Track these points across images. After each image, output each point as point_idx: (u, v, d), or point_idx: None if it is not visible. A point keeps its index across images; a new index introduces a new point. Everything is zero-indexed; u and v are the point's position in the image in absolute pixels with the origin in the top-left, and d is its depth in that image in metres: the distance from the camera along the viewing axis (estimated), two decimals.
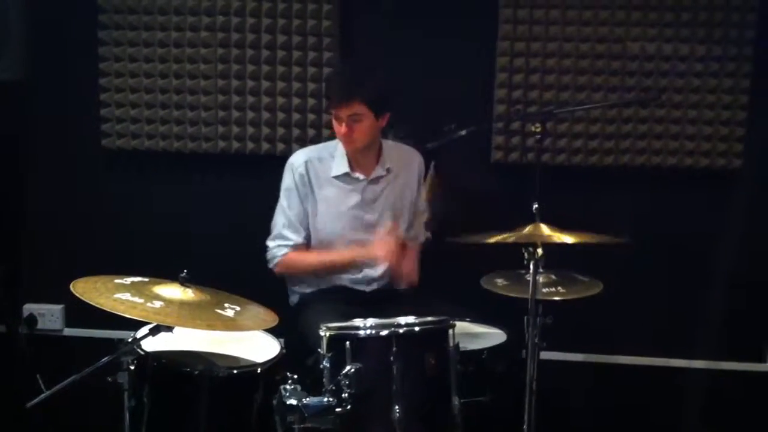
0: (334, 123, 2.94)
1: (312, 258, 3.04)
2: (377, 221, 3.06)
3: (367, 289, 3.07)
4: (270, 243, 3.06)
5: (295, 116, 3.42)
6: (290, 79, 3.40)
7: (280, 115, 3.42)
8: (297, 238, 3.02)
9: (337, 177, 3.03)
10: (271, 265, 3.06)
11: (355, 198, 3.04)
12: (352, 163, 3.03)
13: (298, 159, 3.05)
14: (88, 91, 3.45)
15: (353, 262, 3.02)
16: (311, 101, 3.41)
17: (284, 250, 3.02)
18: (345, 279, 3.06)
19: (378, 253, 2.94)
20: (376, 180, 3.06)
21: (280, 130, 3.43)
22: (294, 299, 3.13)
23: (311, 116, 3.42)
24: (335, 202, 3.03)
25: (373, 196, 3.06)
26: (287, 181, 3.05)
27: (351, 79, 2.97)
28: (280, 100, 3.41)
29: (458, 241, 2.67)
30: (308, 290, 3.09)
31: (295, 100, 3.41)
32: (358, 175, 3.04)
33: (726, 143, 3.34)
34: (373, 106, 2.88)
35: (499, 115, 3.38)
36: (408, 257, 3.06)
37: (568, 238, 2.55)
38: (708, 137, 3.34)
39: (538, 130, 2.96)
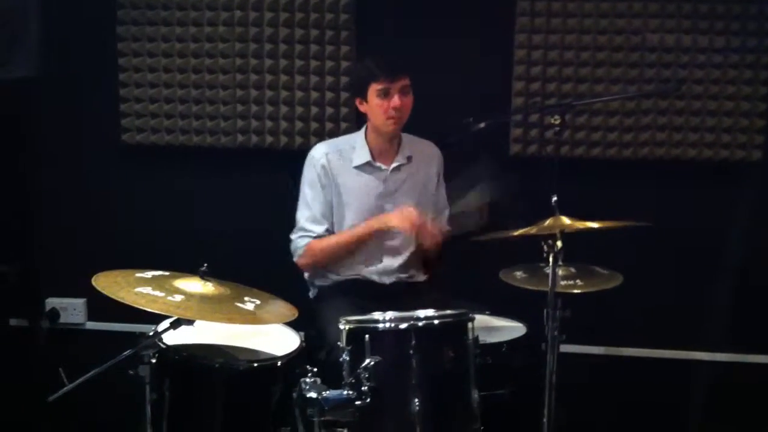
0: (378, 101, 2.90)
1: (332, 240, 3.01)
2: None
3: (387, 281, 3.07)
4: (293, 236, 3.06)
5: (314, 110, 3.43)
6: (308, 72, 3.41)
7: (299, 109, 3.43)
8: (320, 230, 3.02)
9: (358, 167, 3.03)
10: (295, 257, 3.05)
11: (377, 187, 3.04)
12: (374, 152, 3.04)
13: (318, 151, 3.05)
14: (107, 87, 3.48)
15: (372, 234, 2.98)
16: (329, 95, 3.41)
17: (306, 240, 3.02)
18: (365, 271, 3.06)
19: (395, 222, 2.90)
20: (397, 168, 3.06)
21: (299, 124, 3.44)
22: (313, 292, 3.14)
23: (329, 109, 3.42)
24: (358, 192, 3.03)
25: (395, 185, 3.06)
26: (308, 174, 3.05)
27: (397, 54, 3.01)
28: (299, 93, 3.42)
29: (482, 239, 2.67)
30: (327, 283, 3.10)
31: (314, 94, 3.42)
32: (380, 164, 3.04)
33: (746, 135, 3.32)
34: (411, 82, 2.93)
35: (518, 108, 3.38)
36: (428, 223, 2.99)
37: (592, 224, 2.56)
38: (728, 129, 3.32)
39: (557, 122, 2.95)
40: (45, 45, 3.49)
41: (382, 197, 3.05)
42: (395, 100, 2.89)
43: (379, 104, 2.91)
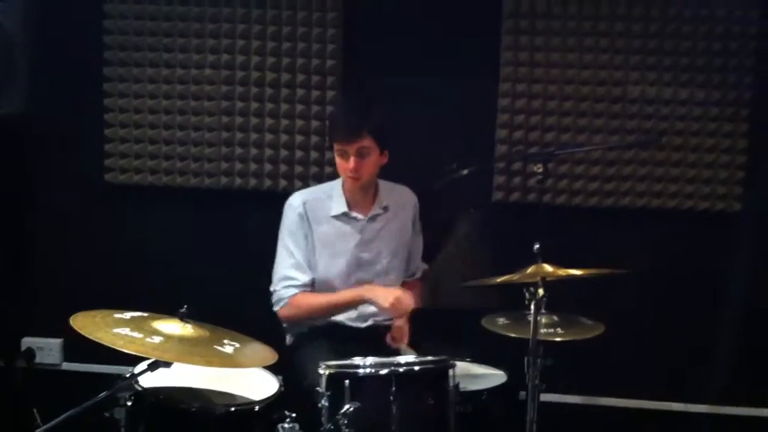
0: (338, 159, 2.92)
1: (321, 299, 2.98)
2: (374, 259, 3.05)
3: (363, 325, 3.04)
4: (275, 286, 3.00)
5: (298, 153, 3.44)
6: (294, 116, 3.43)
7: (283, 152, 3.45)
8: (305, 278, 2.99)
9: (335, 216, 3.03)
10: (277, 308, 3.00)
11: (354, 237, 3.03)
12: (350, 202, 3.03)
13: (296, 200, 3.04)
14: (92, 126, 3.48)
15: (359, 302, 2.95)
16: (314, 139, 3.43)
17: (293, 291, 2.97)
18: (339, 317, 3.03)
19: (384, 304, 2.83)
20: (374, 218, 3.06)
21: (283, 167, 3.45)
22: (290, 339, 3.10)
23: (314, 154, 3.44)
24: (334, 241, 3.02)
25: (371, 235, 3.06)
26: (288, 222, 3.02)
27: (358, 113, 2.95)
28: (283, 137, 3.44)
29: (463, 286, 2.67)
30: (304, 329, 3.07)
31: (298, 138, 3.44)
32: (357, 214, 3.04)
33: (725, 186, 3.35)
34: (378, 140, 2.89)
35: (501, 156, 3.40)
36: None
37: (574, 272, 2.58)
38: (707, 180, 3.36)
39: (540, 170, 2.98)
40: (30, 84, 3.50)
41: (359, 246, 3.04)
42: (351, 162, 2.88)
43: (339, 163, 2.93)
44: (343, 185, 3.04)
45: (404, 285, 3.16)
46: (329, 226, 3.02)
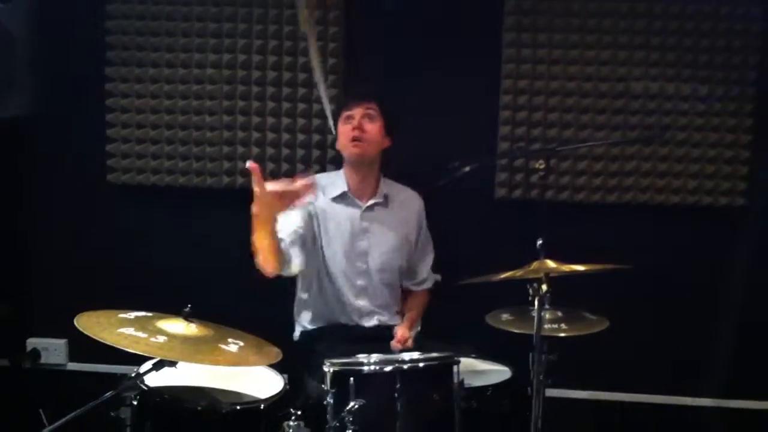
0: (344, 128, 2.99)
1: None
2: (368, 250, 3.05)
3: (367, 323, 3.05)
4: None
5: (300, 152, 3.44)
6: (295, 115, 3.43)
7: (285, 151, 3.44)
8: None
9: (334, 199, 3.04)
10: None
11: (351, 224, 3.03)
12: (351, 186, 3.05)
13: None
14: (94, 127, 3.48)
15: (259, 226, 2.74)
16: (316, 137, 3.43)
17: None
18: (348, 306, 3.04)
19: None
20: (371, 208, 3.07)
21: (285, 166, 3.45)
22: (297, 335, 3.12)
23: (316, 152, 3.44)
24: (334, 224, 3.02)
25: (369, 223, 3.06)
26: None
27: (367, 81, 3.15)
28: (285, 136, 3.44)
29: (467, 282, 2.67)
30: (311, 326, 3.08)
31: (300, 136, 3.44)
32: (355, 198, 3.06)
33: (729, 182, 3.35)
34: (385, 112, 2.99)
35: (503, 152, 3.40)
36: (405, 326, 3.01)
37: (577, 267, 2.58)
38: (711, 175, 3.36)
39: (542, 167, 2.98)
40: (33, 86, 3.50)
41: (355, 234, 3.03)
42: (355, 121, 2.95)
43: (344, 130, 3.00)
44: (345, 172, 3.07)
45: (411, 293, 3.19)
46: (329, 209, 3.03)
